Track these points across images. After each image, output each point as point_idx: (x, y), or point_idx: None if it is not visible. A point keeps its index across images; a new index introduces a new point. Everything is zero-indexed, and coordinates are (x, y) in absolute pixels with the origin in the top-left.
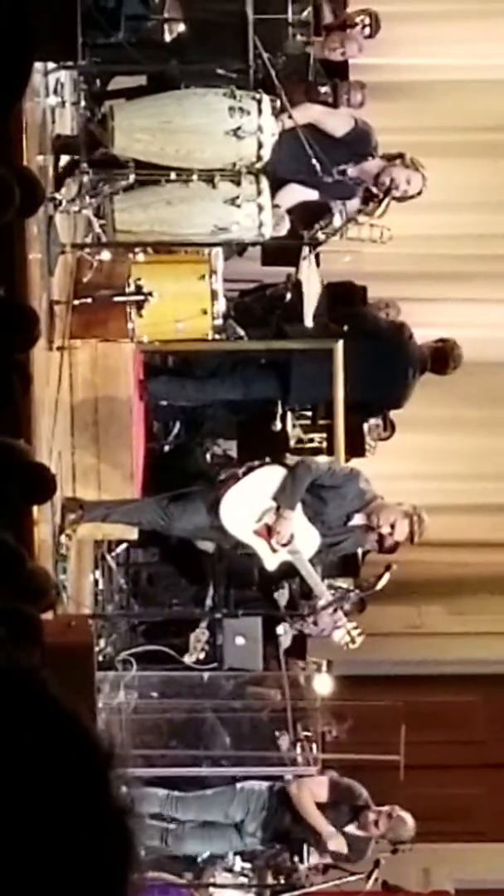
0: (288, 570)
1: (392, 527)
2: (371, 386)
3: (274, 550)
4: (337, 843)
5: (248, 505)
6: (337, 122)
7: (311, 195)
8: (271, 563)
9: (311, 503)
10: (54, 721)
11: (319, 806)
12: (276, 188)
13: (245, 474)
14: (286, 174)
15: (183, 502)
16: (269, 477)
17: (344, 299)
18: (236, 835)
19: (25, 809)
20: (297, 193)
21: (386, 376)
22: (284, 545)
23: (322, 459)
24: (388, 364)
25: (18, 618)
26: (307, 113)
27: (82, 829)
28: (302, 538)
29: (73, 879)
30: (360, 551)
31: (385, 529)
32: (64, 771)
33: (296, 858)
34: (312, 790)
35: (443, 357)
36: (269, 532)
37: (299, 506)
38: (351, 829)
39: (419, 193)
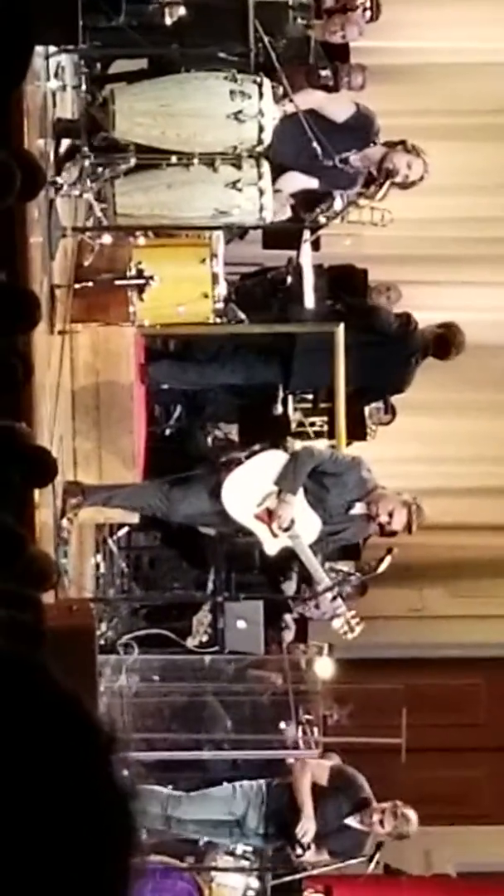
0: (290, 557)
1: (390, 515)
2: (373, 373)
3: (274, 535)
4: (307, 828)
5: (249, 489)
6: (338, 108)
7: (312, 184)
8: (271, 547)
9: (313, 489)
10: (55, 705)
11: (320, 790)
12: (276, 175)
13: (247, 458)
14: (287, 161)
15: (184, 486)
16: (271, 461)
17: (345, 283)
18: (238, 831)
19: (26, 794)
20: (297, 181)
21: (388, 364)
22: (285, 530)
23: (324, 444)
24: (390, 352)
25: (20, 600)
26: (308, 98)
27: (83, 813)
28: (303, 524)
29: (74, 864)
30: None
31: (383, 518)
32: (65, 755)
33: (298, 851)
34: (314, 771)
35: (445, 343)
36: (269, 516)
37: (301, 491)
38: (351, 821)
39: (421, 179)
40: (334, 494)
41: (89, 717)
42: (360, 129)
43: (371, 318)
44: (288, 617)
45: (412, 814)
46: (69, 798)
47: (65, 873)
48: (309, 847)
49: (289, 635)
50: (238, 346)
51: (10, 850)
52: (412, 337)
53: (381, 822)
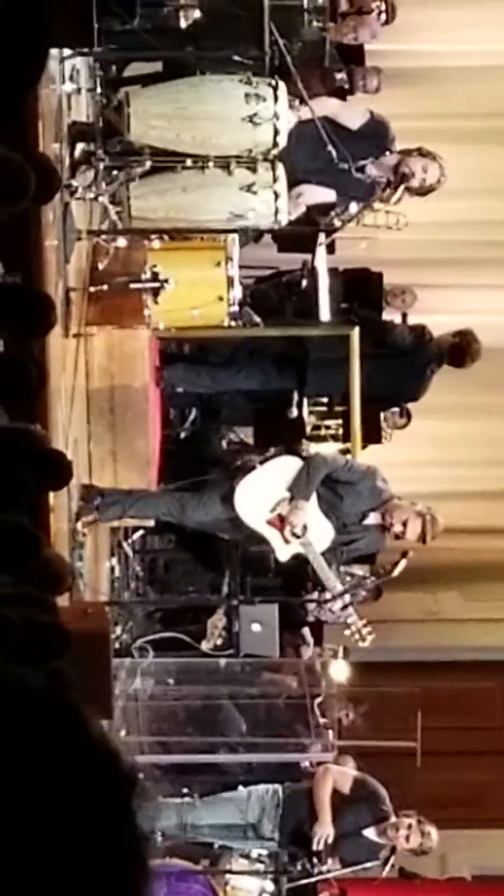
0: (305, 562)
1: (404, 525)
2: (388, 384)
3: (286, 541)
4: (324, 834)
5: (262, 495)
6: (352, 115)
7: (329, 196)
8: (283, 554)
9: (327, 497)
10: (83, 748)
11: (341, 798)
12: (291, 185)
13: (262, 463)
14: (301, 167)
15: (198, 493)
16: (284, 468)
17: (360, 286)
18: (253, 836)
19: (47, 832)
20: (315, 194)
21: (403, 375)
22: (297, 536)
23: (337, 448)
24: (405, 364)
25: (35, 603)
26: (322, 106)
27: (101, 854)
28: (315, 531)
29: None
30: None
31: (397, 528)
32: (89, 797)
33: (315, 860)
34: (337, 779)
35: (461, 351)
36: (282, 523)
37: (314, 498)
38: (369, 832)
39: (438, 183)
40: (348, 503)
41: (115, 758)
42: (376, 136)
43: (384, 334)
44: (306, 631)
45: (433, 830)
46: (88, 839)
47: None
48: (322, 854)
49: (307, 651)
50: (253, 350)
51: (27, 884)
52: (427, 348)
53: (407, 838)
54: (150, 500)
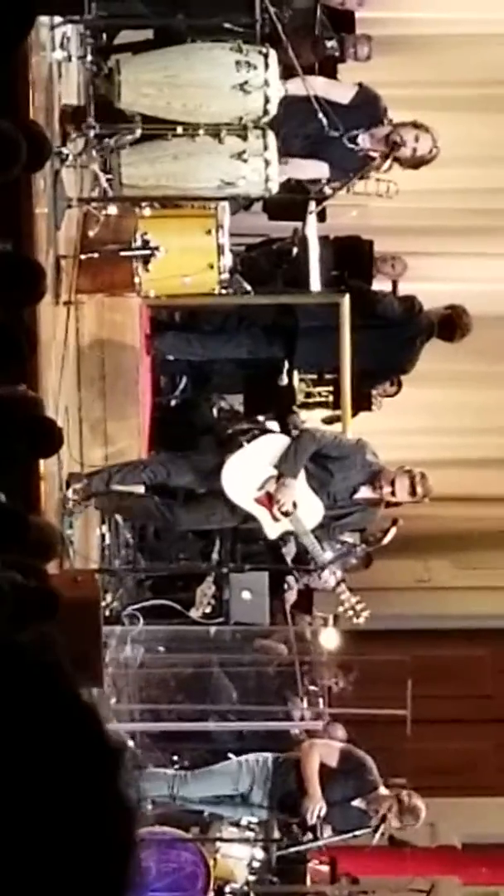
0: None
1: (392, 485)
2: (377, 355)
3: (276, 519)
4: (315, 809)
5: (250, 473)
6: (342, 91)
7: (322, 170)
8: (273, 531)
9: (317, 474)
10: (70, 716)
11: (328, 771)
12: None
13: (248, 442)
14: (292, 137)
15: (185, 458)
16: (271, 445)
17: (351, 254)
18: (243, 806)
19: (34, 800)
20: (307, 169)
21: (392, 346)
22: (285, 514)
23: (325, 419)
24: (394, 335)
25: (25, 571)
26: (310, 85)
27: (86, 821)
28: (304, 507)
29: (75, 874)
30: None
31: (386, 490)
32: (73, 764)
33: (307, 835)
34: (323, 752)
35: (451, 324)
36: (270, 500)
37: (302, 475)
38: (357, 802)
39: (430, 154)
40: (338, 478)
41: (102, 728)
42: (367, 105)
43: (373, 305)
44: (290, 578)
45: (420, 804)
46: (76, 809)
47: (66, 880)
48: (314, 828)
49: (291, 596)
50: (243, 318)
51: (13, 855)
52: (416, 320)
53: (390, 808)
54: (135, 465)
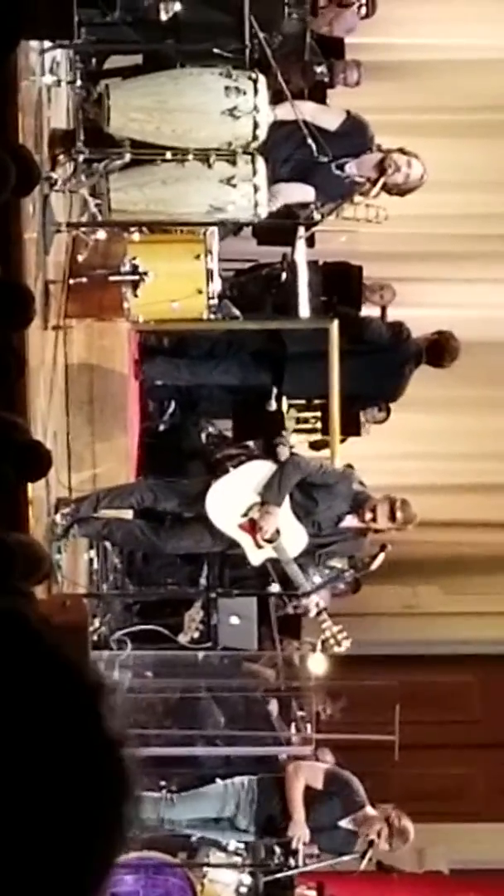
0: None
1: (373, 511)
2: (366, 381)
3: (259, 546)
4: (299, 834)
5: (234, 499)
6: (330, 117)
7: (307, 194)
8: (256, 558)
9: (302, 502)
10: (37, 653)
11: (314, 794)
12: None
13: (234, 468)
14: (281, 164)
15: (172, 484)
16: (256, 472)
17: (340, 280)
18: (230, 829)
19: (14, 742)
20: (295, 193)
21: (381, 373)
22: (268, 541)
23: (317, 455)
24: (383, 361)
25: (13, 595)
26: (299, 110)
27: (74, 760)
28: (288, 536)
29: (67, 812)
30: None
31: (367, 516)
32: (52, 702)
33: (291, 860)
34: (308, 775)
35: (439, 350)
36: (253, 527)
37: (287, 503)
38: (345, 823)
39: (420, 181)
40: (323, 507)
41: (74, 665)
42: (355, 133)
43: (361, 330)
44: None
45: (409, 825)
46: (59, 745)
47: (59, 823)
48: (299, 853)
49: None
50: (231, 343)
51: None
52: (405, 346)
53: (379, 834)
54: (123, 490)
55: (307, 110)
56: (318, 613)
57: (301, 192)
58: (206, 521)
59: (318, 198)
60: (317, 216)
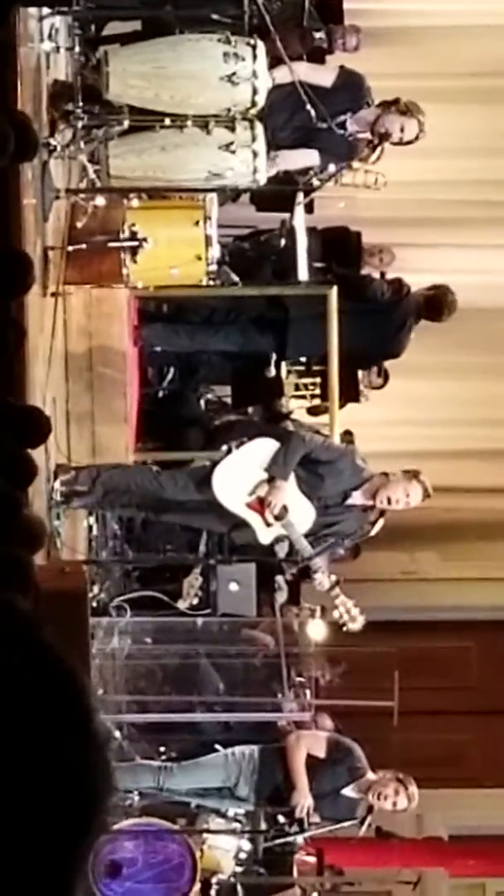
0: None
1: (408, 495)
2: (367, 340)
3: (268, 524)
4: (303, 804)
5: (240, 478)
6: (323, 74)
7: (313, 159)
8: (265, 536)
9: (307, 479)
10: (25, 647)
11: (316, 762)
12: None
13: (237, 448)
14: (280, 129)
15: (173, 472)
16: (261, 449)
17: (338, 245)
18: (230, 798)
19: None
20: (298, 159)
21: (382, 331)
22: (277, 517)
23: (315, 420)
24: (384, 319)
25: (11, 562)
26: (294, 70)
27: (58, 757)
28: (296, 511)
29: (46, 809)
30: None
31: (398, 506)
32: (38, 700)
33: (294, 827)
34: (309, 744)
35: (437, 304)
36: (261, 505)
37: (293, 479)
38: (348, 791)
39: (417, 138)
40: (329, 483)
41: (61, 663)
42: (351, 87)
43: (362, 289)
44: (280, 578)
45: (415, 790)
46: (42, 742)
47: (38, 820)
48: (303, 822)
49: (282, 596)
50: (231, 309)
51: None
52: (405, 302)
53: (394, 803)
54: (124, 469)
55: (301, 71)
56: (332, 587)
57: (304, 158)
58: (212, 504)
59: (323, 160)
60: (316, 182)
